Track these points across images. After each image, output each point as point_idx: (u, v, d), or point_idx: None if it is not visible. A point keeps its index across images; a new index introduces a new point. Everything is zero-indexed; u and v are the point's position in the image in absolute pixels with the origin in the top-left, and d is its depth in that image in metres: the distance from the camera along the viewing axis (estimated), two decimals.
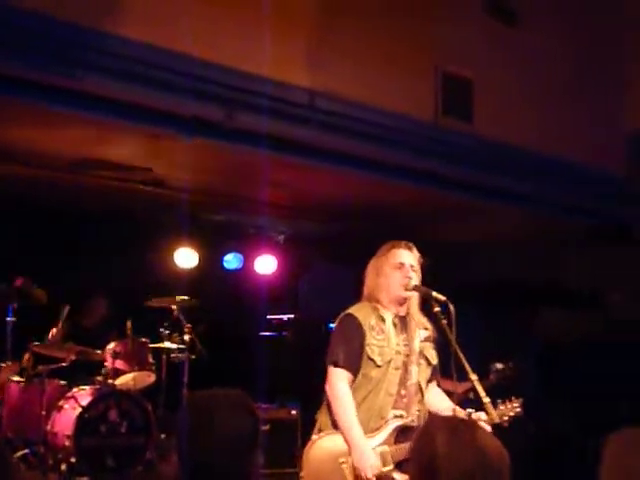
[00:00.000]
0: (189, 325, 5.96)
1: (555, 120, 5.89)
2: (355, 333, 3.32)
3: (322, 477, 3.22)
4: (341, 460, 3.21)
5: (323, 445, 3.26)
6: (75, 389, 5.40)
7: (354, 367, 3.29)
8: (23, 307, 5.34)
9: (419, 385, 3.44)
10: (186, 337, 5.93)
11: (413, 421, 3.38)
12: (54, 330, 5.60)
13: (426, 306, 3.46)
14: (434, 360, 3.53)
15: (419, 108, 5.21)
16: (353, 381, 3.30)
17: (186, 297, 5.96)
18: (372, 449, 3.20)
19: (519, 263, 7.42)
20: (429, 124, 5.23)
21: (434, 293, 3.26)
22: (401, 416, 3.35)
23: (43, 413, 5.19)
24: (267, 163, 4.83)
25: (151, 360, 5.79)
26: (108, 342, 5.68)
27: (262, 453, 2.02)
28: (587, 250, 6.95)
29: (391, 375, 3.34)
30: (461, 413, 3.22)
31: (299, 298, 7.69)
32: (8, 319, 5.32)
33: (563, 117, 5.94)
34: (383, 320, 3.39)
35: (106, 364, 5.62)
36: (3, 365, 5.34)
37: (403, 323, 3.45)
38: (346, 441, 3.20)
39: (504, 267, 7.52)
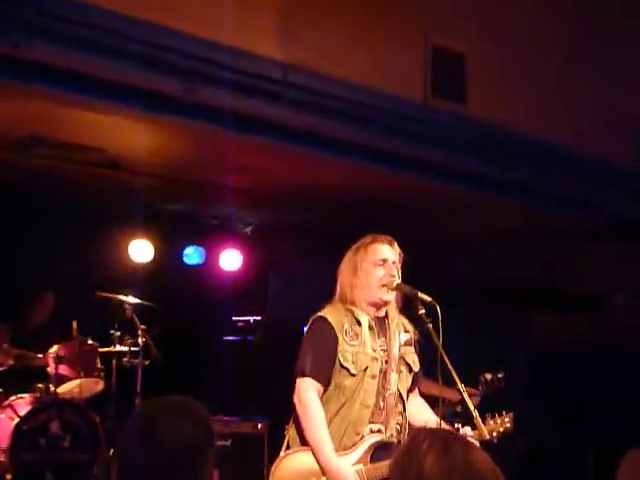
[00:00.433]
0: (143, 326, 5.92)
1: (558, 103, 5.90)
2: (326, 338, 3.32)
3: None
4: None
5: (291, 463, 3.27)
6: (12, 397, 5.34)
7: (324, 376, 3.30)
8: None
9: (399, 395, 3.44)
10: (140, 340, 5.89)
11: (392, 436, 3.38)
12: None
13: (406, 307, 3.50)
14: (416, 366, 3.53)
15: (405, 86, 5.20)
16: (324, 392, 3.30)
17: (140, 295, 5.95)
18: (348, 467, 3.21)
19: (510, 262, 7.48)
20: (416, 105, 5.23)
21: (419, 293, 3.27)
22: (379, 431, 3.34)
23: None
24: (232, 144, 4.79)
25: (99, 365, 5.74)
26: (50, 345, 5.61)
27: (219, 471, 1.99)
28: (587, 248, 7.00)
29: (367, 384, 3.33)
30: (447, 426, 3.25)
31: (268, 298, 7.68)
32: None
33: (567, 101, 5.95)
34: (358, 323, 3.38)
35: (48, 369, 5.56)
36: None
37: (381, 325, 3.46)
38: (317, 459, 3.21)
39: (493, 266, 7.58)
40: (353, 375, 3.30)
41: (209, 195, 6.33)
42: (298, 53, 4.69)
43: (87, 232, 6.39)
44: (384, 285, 3.37)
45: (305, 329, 3.42)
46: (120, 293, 5.89)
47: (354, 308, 3.38)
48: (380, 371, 3.37)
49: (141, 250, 6.74)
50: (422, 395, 3.67)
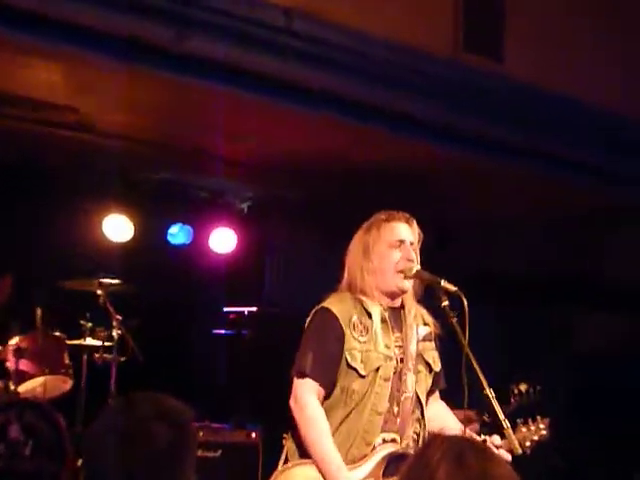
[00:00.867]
0: (119, 317, 5.94)
1: (613, 67, 5.88)
2: (330, 333, 3.34)
3: None
4: None
5: (291, 478, 3.28)
6: None
7: (327, 378, 3.31)
8: None
9: (417, 399, 3.46)
10: (115, 332, 5.90)
11: (409, 447, 3.39)
12: None
13: (426, 298, 3.51)
14: (437, 366, 3.55)
15: (433, 40, 5.23)
16: (327, 396, 3.32)
17: (116, 280, 5.95)
18: None
19: (549, 250, 7.51)
20: (445, 61, 5.28)
21: (443, 282, 3.26)
22: (393, 441, 3.35)
23: None
24: (227, 103, 4.83)
25: (67, 361, 5.76)
26: (10, 336, 5.63)
27: None
28: None
29: (379, 387, 3.35)
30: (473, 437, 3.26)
31: (265, 286, 7.68)
32: None
33: (624, 64, 5.92)
34: (369, 315, 3.39)
35: (7, 365, 5.58)
36: None
37: (396, 318, 3.47)
38: (323, 475, 3.22)
39: (529, 255, 7.59)
40: (362, 376, 3.31)
41: (199, 164, 6.36)
42: None
43: (54, 206, 6.40)
44: (401, 271, 3.38)
45: (307, 322, 3.43)
46: (93, 278, 5.90)
47: (364, 298, 3.39)
48: (394, 372, 3.38)
49: (118, 227, 6.74)
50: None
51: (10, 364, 5.56)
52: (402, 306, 3.50)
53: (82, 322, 5.95)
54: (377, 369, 3.34)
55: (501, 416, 3.13)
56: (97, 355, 5.89)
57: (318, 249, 7.27)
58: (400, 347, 3.42)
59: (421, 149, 5.63)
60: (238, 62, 4.55)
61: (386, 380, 3.35)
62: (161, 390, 2.34)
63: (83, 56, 4.43)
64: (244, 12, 4.51)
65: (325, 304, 3.39)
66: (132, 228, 6.79)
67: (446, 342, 3.55)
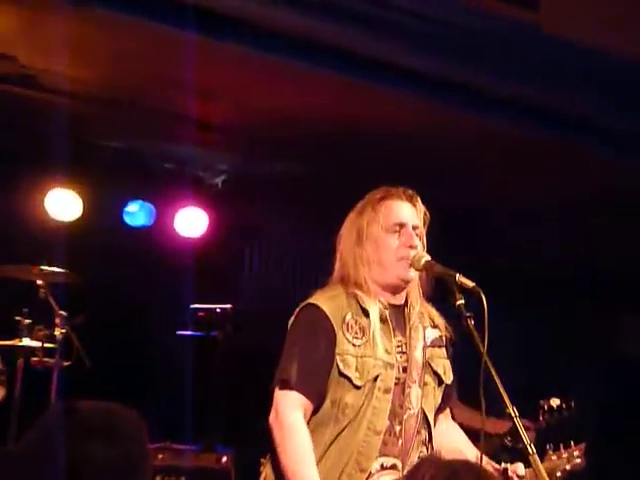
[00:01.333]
0: (63, 313, 5.90)
1: None
2: (319, 335, 3.37)
3: None
4: None
5: None
6: None
7: (315, 389, 3.33)
8: None
9: (424, 417, 3.47)
10: (58, 332, 5.86)
11: None
12: None
13: (437, 295, 3.53)
14: (448, 377, 3.56)
15: None
16: (315, 411, 3.34)
17: (61, 268, 5.90)
18: None
19: (591, 241, 7.52)
20: (468, 7, 5.27)
21: (458, 276, 3.28)
22: (393, 467, 3.36)
23: None
24: (197, 53, 4.80)
25: (0, 365, 5.70)
26: None
27: None
28: None
29: (378, 401, 3.35)
30: (489, 465, 3.28)
31: (243, 278, 7.71)
32: None
33: None
34: (365, 314, 3.40)
35: None
36: None
37: (398, 317, 3.49)
38: None
39: (565, 247, 7.62)
40: (357, 387, 3.33)
41: (163, 129, 6.33)
42: None
43: None
44: (403, 258, 3.41)
45: (290, 322, 3.46)
46: (32, 265, 5.84)
47: (360, 293, 3.41)
48: (397, 382, 3.39)
49: (63, 204, 6.73)
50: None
51: None
52: (406, 304, 3.51)
53: (18, 319, 5.90)
54: (375, 379, 3.34)
55: (526, 440, 3.10)
56: (36, 359, 5.85)
57: (308, 234, 7.28)
58: (403, 353, 3.43)
59: (435, 113, 5.66)
60: (211, 3, 4.55)
61: (386, 392, 3.36)
62: (112, 400, 2.33)
63: None
64: None
65: (313, 300, 3.41)
66: (81, 205, 6.76)
67: (460, 349, 3.55)
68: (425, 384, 3.46)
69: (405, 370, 3.40)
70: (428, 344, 3.50)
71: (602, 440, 8.25)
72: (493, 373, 3.13)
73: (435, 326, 3.55)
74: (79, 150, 6.27)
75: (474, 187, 6.81)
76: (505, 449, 4.88)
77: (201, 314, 7.06)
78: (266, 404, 3.38)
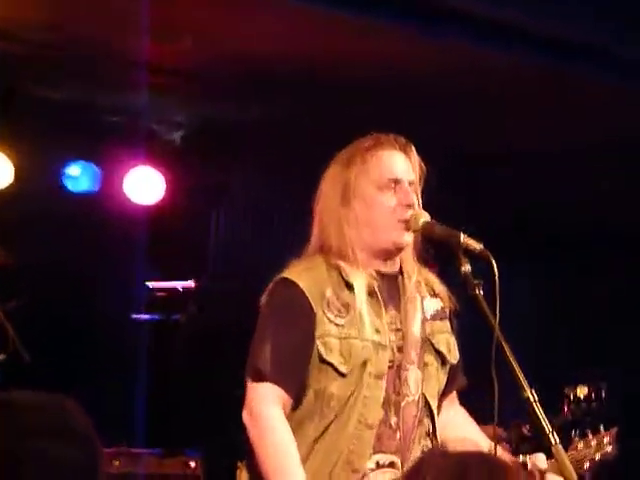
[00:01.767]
0: None
1: None
2: (294, 315, 3.40)
3: None
4: None
5: None
6: None
7: (294, 379, 3.36)
8: None
9: (425, 404, 3.50)
10: None
11: None
12: None
13: (438, 259, 3.55)
14: (453, 355, 3.59)
15: None
16: (297, 405, 3.37)
17: None
18: None
19: (619, 196, 7.55)
20: None
21: (463, 237, 3.28)
22: (391, 465, 3.39)
23: None
24: None
25: None
26: None
27: None
28: None
29: (369, 389, 3.37)
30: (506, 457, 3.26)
31: (208, 251, 7.72)
32: None
33: None
34: (350, 288, 3.41)
35: None
36: None
37: (390, 289, 3.51)
38: None
39: (587, 201, 7.67)
40: (343, 375, 3.34)
41: (110, 75, 6.29)
42: None
43: None
44: (400, 221, 3.41)
45: (262, 301, 3.47)
46: None
47: (342, 263, 3.42)
48: (390, 366, 3.40)
49: None
50: None
51: None
52: (400, 272, 3.51)
53: None
54: (364, 363, 3.35)
55: (547, 427, 3.11)
56: None
57: (285, 193, 7.29)
58: (398, 330, 3.44)
59: (426, 44, 5.65)
60: None
61: (378, 378, 3.36)
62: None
63: None
64: None
65: (286, 274, 3.42)
66: (11, 169, 6.74)
67: (467, 322, 3.56)
68: (426, 365, 3.48)
69: (401, 350, 3.41)
70: (428, 317, 3.51)
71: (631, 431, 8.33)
72: (507, 352, 3.13)
73: (435, 295, 3.56)
74: (9, 103, 6.29)
75: (475, 131, 6.82)
76: (524, 439, 4.91)
77: (159, 294, 7.17)
78: (240, 398, 3.39)
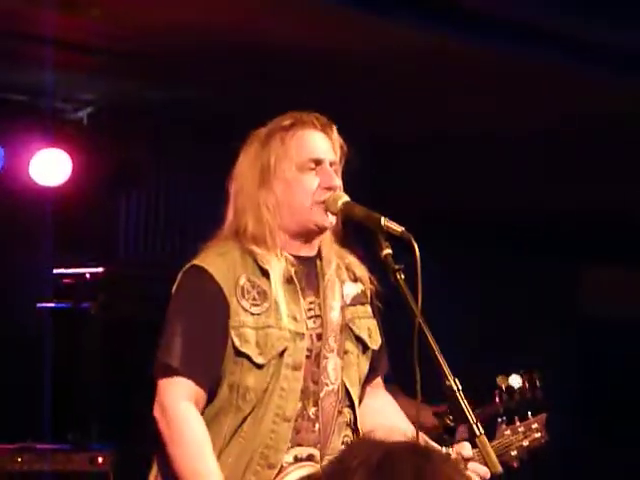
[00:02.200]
0: None
1: None
2: (206, 304, 3.41)
3: None
4: None
5: None
6: None
7: (207, 372, 3.37)
8: None
9: (346, 393, 3.52)
10: None
11: None
12: None
13: (358, 243, 3.57)
14: (375, 341, 3.60)
15: None
16: (210, 400, 3.39)
17: None
18: None
19: (547, 182, 7.67)
20: None
21: (384, 220, 3.29)
22: (310, 458, 3.41)
23: None
24: None
25: None
26: None
27: None
28: None
29: (286, 381, 3.39)
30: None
31: (119, 236, 7.66)
32: None
33: None
34: (265, 274, 3.43)
35: None
36: None
37: (310, 274, 3.53)
38: None
39: (517, 188, 7.76)
40: (259, 366, 3.35)
41: (12, 50, 6.20)
42: None
43: None
44: (321, 202, 3.41)
45: (173, 290, 3.47)
46: None
47: (258, 249, 3.43)
48: (308, 355, 3.42)
49: None
50: None
51: None
52: (318, 256, 3.52)
53: None
54: (281, 353, 3.37)
55: (471, 417, 3.12)
56: None
57: (202, 177, 7.25)
58: (317, 317, 3.46)
59: (362, 22, 5.63)
60: None
61: (296, 369, 3.38)
62: None
63: None
64: None
65: (197, 261, 3.42)
66: None
67: (393, 307, 3.54)
68: (346, 352, 3.49)
69: (320, 338, 3.43)
70: (348, 302, 3.52)
71: (576, 423, 8.46)
72: (429, 337, 3.13)
73: (356, 279, 3.57)
74: None
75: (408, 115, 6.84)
76: (446, 429, 4.93)
77: (66, 281, 7.08)
78: (151, 391, 3.38)
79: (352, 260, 3.58)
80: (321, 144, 3.47)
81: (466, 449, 3.36)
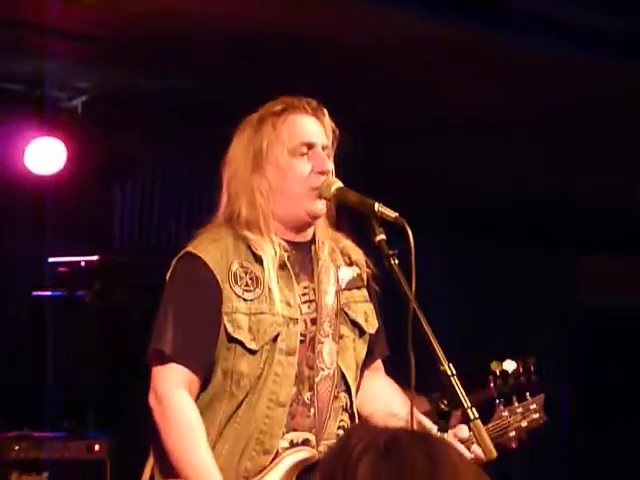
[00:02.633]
0: None
1: None
2: (199, 291, 3.41)
3: None
4: None
5: None
6: None
7: (200, 358, 3.37)
8: None
9: (342, 378, 3.51)
10: None
11: None
12: None
13: (353, 229, 3.57)
14: (371, 324, 3.59)
15: None
16: (204, 386, 3.40)
17: None
18: None
19: (546, 170, 7.65)
20: None
21: (378, 205, 3.29)
22: (305, 443, 3.42)
23: None
24: None
25: None
26: None
27: None
28: None
29: (280, 366, 3.39)
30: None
31: (114, 224, 7.64)
32: None
33: None
34: (258, 260, 3.42)
35: None
36: None
37: (303, 259, 3.53)
38: None
39: (515, 176, 7.71)
40: (253, 352, 3.36)
41: (8, 39, 6.22)
42: None
43: None
44: (314, 188, 3.41)
45: (167, 277, 3.47)
46: None
47: (251, 234, 3.43)
48: (302, 340, 3.42)
49: None
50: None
51: None
52: (312, 241, 3.52)
53: None
54: (275, 339, 3.36)
55: (466, 402, 3.14)
56: None
57: (197, 165, 7.25)
58: (311, 302, 3.46)
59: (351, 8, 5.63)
60: None
61: (290, 354, 3.38)
62: None
63: None
64: None
65: (190, 248, 3.42)
66: None
67: (388, 292, 3.54)
68: (341, 337, 3.49)
69: (314, 322, 3.43)
70: (343, 287, 3.52)
71: (573, 408, 8.47)
72: (423, 322, 3.14)
73: (351, 264, 3.57)
74: None
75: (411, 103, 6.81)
76: (442, 415, 4.92)
77: (62, 269, 7.06)
78: (147, 379, 3.40)
79: (347, 244, 3.58)
80: (313, 128, 3.47)
81: (464, 431, 3.35)
